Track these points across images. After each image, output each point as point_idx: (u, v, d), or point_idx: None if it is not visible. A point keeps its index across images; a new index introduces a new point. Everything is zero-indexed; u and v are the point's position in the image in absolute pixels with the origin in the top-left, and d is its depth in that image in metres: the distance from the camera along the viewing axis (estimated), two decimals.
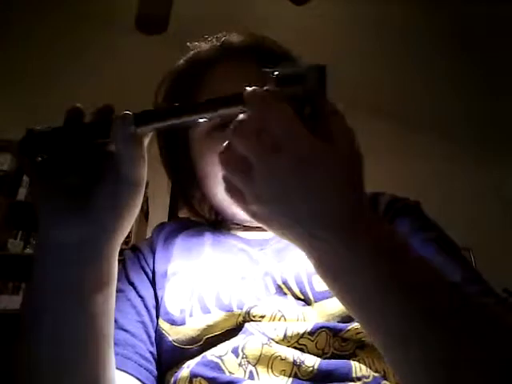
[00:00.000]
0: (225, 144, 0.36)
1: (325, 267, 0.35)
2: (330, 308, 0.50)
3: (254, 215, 0.36)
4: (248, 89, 0.35)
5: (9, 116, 2.80)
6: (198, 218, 0.72)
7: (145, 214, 2.80)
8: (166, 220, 1.98)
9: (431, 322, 0.32)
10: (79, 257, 0.38)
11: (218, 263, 0.59)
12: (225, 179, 0.36)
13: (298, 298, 0.53)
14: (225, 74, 0.65)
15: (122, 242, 0.41)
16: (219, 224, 0.69)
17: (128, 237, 2.38)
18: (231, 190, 0.36)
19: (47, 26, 3.05)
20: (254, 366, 0.45)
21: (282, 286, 0.54)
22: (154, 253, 0.63)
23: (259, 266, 0.58)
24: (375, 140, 3.28)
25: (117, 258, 0.41)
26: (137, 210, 0.40)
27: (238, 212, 0.62)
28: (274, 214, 0.34)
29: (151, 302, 0.57)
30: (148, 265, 0.61)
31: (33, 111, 2.73)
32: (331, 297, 0.51)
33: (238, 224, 0.67)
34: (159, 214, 2.80)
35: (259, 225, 0.36)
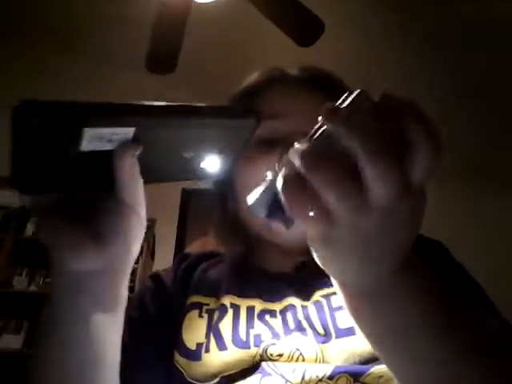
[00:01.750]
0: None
1: (369, 295, 0.32)
2: (352, 346, 0.48)
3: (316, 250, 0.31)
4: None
5: None
6: (220, 247, 0.71)
7: (151, 252, 2.79)
8: (172, 258, 1.96)
9: (466, 361, 0.32)
10: (93, 285, 0.37)
11: (237, 297, 0.58)
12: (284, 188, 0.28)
13: (319, 333, 0.51)
14: (284, 92, 0.65)
15: (131, 267, 0.40)
16: (244, 255, 0.67)
17: (133, 275, 2.36)
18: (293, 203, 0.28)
19: (58, 68, 3.16)
20: None
21: (303, 321, 0.52)
22: (174, 283, 0.63)
23: (281, 300, 0.56)
24: None
25: (127, 285, 0.41)
26: (142, 234, 0.39)
27: (266, 232, 0.60)
28: (341, 259, 0.30)
29: (164, 334, 0.56)
30: (167, 295, 0.61)
31: None
32: (353, 334, 0.49)
33: (272, 249, 0.64)
34: (165, 252, 2.79)
35: (299, 250, 0.33)
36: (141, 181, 0.36)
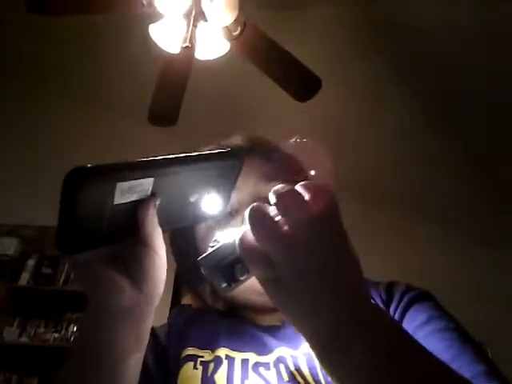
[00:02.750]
0: (242, 232, 0.37)
1: (328, 346, 0.35)
2: None
3: (271, 296, 0.36)
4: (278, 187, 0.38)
5: (17, 201, 2.87)
6: (205, 307, 0.72)
7: None
8: (169, 307, 1.93)
9: None
10: (128, 321, 0.42)
11: (232, 350, 0.59)
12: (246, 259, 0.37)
13: None
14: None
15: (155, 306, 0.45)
16: (232, 311, 0.69)
17: None
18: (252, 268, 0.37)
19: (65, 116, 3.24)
20: None
21: (295, 373, 0.54)
22: (169, 337, 0.64)
23: (272, 352, 0.58)
24: (382, 229, 3.30)
25: (151, 323, 0.45)
26: (165, 274, 0.44)
27: (251, 298, 0.61)
28: (287, 297, 0.35)
29: None
30: (162, 349, 0.62)
31: (44, 198, 2.81)
32: None
33: (250, 309, 0.66)
34: (162, 301, 2.73)
35: (272, 307, 0.37)
36: (159, 228, 0.43)
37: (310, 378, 0.53)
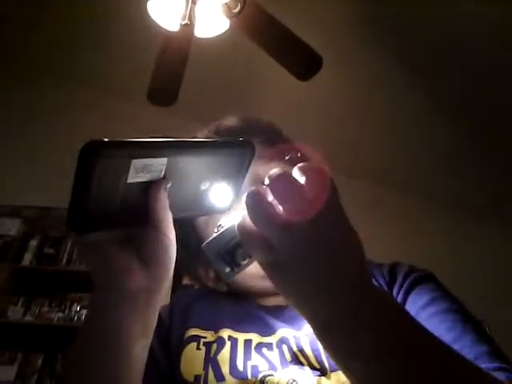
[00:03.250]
0: (241, 217, 0.37)
1: (330, 330, 0.35)
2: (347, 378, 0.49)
3: (272, 280, 0.36)
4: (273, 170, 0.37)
5: (20, 182, 2.87)
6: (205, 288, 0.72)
7: None
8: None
9: None
10: (137, 301, 0.41)
11: (235, 331, 0.59)
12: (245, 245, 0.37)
13: (314, 368, 0.53)
14: None
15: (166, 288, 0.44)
16: (235, 291, 0.69)
17: None
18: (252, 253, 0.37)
19: (68, 98, 3.22)
20: None
21: (298, 354, 0.54)
22: (172, 317, 0.64)
23: (275, 333, 0.58)
24: (387, 211, 3.31)
25: (158, 310, 0.44)
26: (174, 257, 0.43)
27: (253, 284, 0.62)
28: (288, 279, 0.35)
29: (164, 369, 0.58)
30: (165, 329, 0.62)
31: (46, 179, 2.81)
32: None
33: (253, 293, 0.67)
34: None
35: (275, 291, 0.37)
36: (170, 211, 0.42)
37: (312, 359, 0.53)
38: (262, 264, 0.36)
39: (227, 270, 0.39)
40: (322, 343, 0.36)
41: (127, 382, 0.42)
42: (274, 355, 0.55)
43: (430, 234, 3.30)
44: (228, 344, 0.57)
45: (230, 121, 0.71)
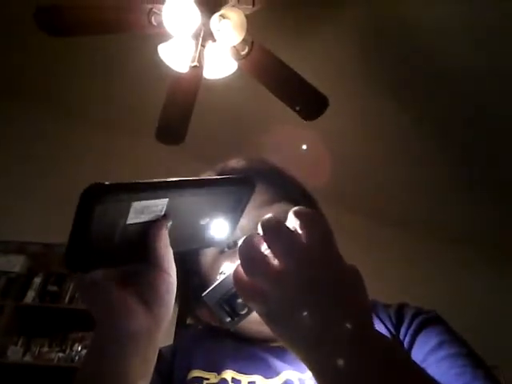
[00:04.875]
0: (233, 268, 0.37)
1: (330, 380, 0.33)
2: None
3: (270, 328, 0.36)
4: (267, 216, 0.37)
5: (25, 219, 2.88)
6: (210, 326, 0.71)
7: None
8: (174, 328, 1.91)
9: None
10: (139, 343, 0.40)
11: (238, 372, 0.58)
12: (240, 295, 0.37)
13: None
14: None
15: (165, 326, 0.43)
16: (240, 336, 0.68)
17: None
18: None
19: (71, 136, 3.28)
20: None
21: None
22: (174, 357, 0.63)
23: (279, 375, 0.57)
24: (385, 250, 3.27)
25: (158, 347, 0.43)
26: (174, 296, 0.43)
27: (254, 328, 0.60)
28: (285, 330, 0.35)
29: None
30: (167, 365, 0.61)
31: (50, 216, 2.81)
32: None
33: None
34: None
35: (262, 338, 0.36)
36: (171, 249, 0.42)
37: None
38: (258, 313, 0.36)
39: (228, 319, 0.38)
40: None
41: None
42: None
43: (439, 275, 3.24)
44: None
45: (236, 163, 0.71)
